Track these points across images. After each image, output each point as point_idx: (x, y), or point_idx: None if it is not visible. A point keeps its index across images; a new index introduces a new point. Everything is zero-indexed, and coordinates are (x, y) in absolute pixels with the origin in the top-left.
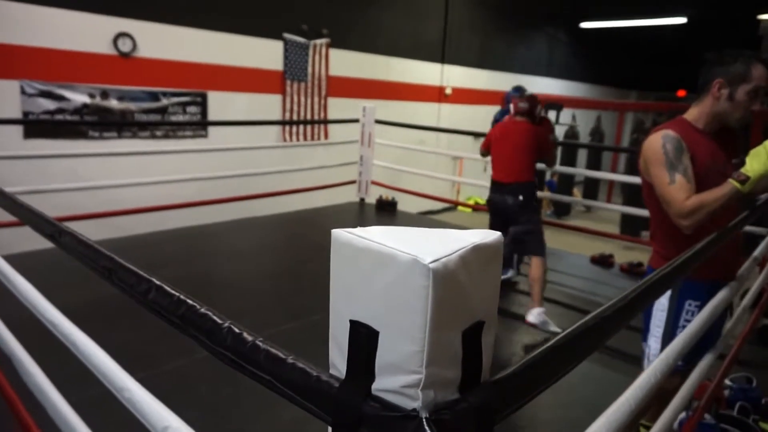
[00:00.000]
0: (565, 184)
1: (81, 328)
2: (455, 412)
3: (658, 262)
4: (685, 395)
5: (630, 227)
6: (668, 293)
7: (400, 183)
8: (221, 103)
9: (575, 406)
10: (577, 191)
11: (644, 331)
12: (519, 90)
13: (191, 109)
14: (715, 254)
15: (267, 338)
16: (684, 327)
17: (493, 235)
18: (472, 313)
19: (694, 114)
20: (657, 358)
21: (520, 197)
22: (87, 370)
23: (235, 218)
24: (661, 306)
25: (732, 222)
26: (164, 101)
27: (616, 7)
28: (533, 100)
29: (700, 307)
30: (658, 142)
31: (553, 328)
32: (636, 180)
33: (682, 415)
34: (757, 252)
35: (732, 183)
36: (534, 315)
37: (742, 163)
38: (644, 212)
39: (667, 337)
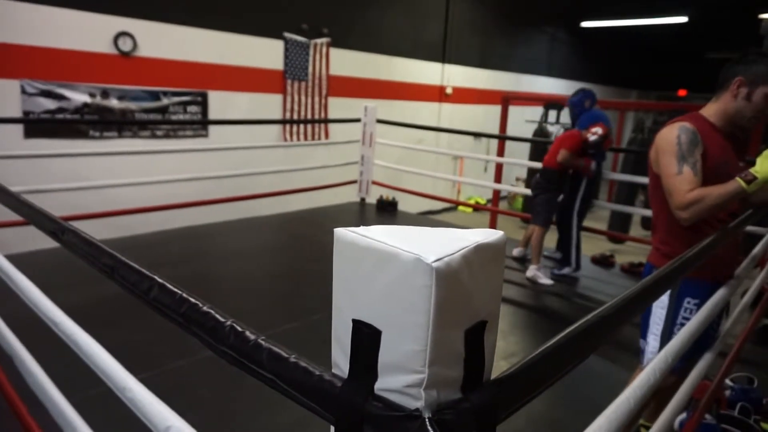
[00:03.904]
0: None
1: (83, 327)
2: (458, 411)
3: (658, 259)
4: (684, 395)
5: (618, 225)
6: (668, 290)
7: (400, 183)
8: (222, 103)
9: (576, 404)
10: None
11: (643, 328)
12: (588, 95)
13: (192, 108)
14: (716, 254)
15: (269, 337)
16: (682, 325)
17: (496, 235)
18: (474, 313)
19: (710, 110)
20: (656, 356)
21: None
22: (89, 369)
23: (235, 218)
24: (661, 303)
25: (734, 222)
26: (165, 101)
27: (616, 7)
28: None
29: (698, 305)
30: (674, 132)
31: (543, 280)
32: (636, 179)
33: (683, 415)
34: (755, 250)
35: (738, 181)
36: (529, 270)
37: (752, 164)
38: (641, 211)
39: (666, 335)
